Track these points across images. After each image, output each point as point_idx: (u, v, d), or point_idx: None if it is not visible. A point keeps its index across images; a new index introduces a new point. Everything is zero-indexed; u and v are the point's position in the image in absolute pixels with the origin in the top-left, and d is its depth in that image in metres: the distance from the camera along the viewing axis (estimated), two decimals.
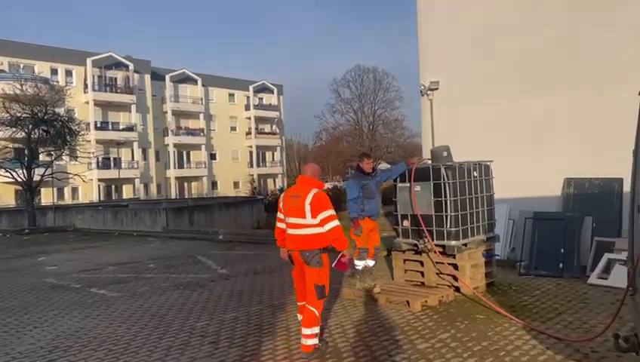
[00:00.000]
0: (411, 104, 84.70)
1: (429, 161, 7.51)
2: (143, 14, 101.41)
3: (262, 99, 61.83)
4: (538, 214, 8.77)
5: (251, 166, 59.00)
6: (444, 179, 7.03)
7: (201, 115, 55.30)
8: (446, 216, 7.03)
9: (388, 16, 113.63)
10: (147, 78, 51.07)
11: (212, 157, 56.48)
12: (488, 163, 7.68)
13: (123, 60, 48.51)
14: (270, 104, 62.15)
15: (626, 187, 8.44)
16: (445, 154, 7.24)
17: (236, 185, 56.76)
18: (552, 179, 9.05)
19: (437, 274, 7.36)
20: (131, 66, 48.77)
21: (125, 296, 8.20)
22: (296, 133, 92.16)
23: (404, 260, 7.76)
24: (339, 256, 5.04)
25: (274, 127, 62.10)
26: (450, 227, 7.01)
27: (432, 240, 7.05)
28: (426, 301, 6.66)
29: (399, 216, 7.58)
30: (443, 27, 10.42)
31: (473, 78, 9.97)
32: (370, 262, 7.19)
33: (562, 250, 8.18)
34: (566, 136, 8.91)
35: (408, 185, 7.39)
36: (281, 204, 5.33)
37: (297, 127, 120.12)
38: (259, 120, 60.53)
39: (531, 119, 9.24)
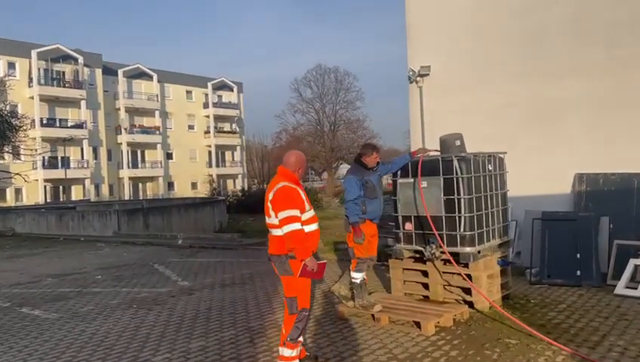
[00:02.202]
0: (372, 105, 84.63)
1: (433, 153, 6.33)
2: (94, 7, 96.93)
3: (221, 96, 59.79)
4: (547, 214, 7.76)
5: (210, 166, 56.88)
6: (457, 174, 5.87)
7: (157, 113, 52.81)
8: (459, 218, 5.87)
9: (352, 15, 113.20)
10: (98, 72, 48.24)
11: (168, 156, 54.05)
12: (502, 155, 6.59)
13: (72, 53, 45.56)
14: (230, 102, 60.17)
15: None
16: (458, 143, 6.09)
17: (194, 185, 54.54)
18: (561, 175, 8.08)
19: (444, 286, 6.21)
20: (81, 60, 45.85)
21: (64, 319, 6.66)
22: (258, 132, 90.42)
23: (404, 269, 6.57)
24: (302, 266, 4.22)
25: (234, 125, 60.16)
26: (465, 231, 5.86)
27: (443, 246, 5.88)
28: (438, 321, 5.48)
29: (400, 218, 6.37)
30: (434, 4, 9.31)
31: (469, 63, 8.93)
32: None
33: (578, 255, 7.18)
34: (577, 127, 7.95)
35: (412, 180, 6.20)
36: None
37: (259, 127, 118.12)
38: (218, 118, 58.48)
39: (537, 108, 8.25)
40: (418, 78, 9.38)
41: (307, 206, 4.44)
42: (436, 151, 6.30)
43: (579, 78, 7.78)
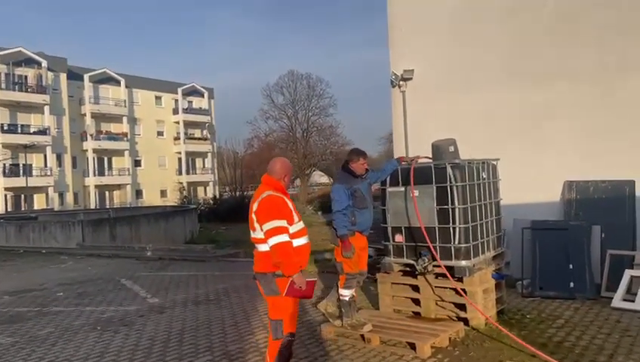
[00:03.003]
0: (344, 111, 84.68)
1: (424, 159, 5.95)
2: (59, 9, 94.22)
3: (191, 102, 58.70)
4: (537, 223, 7.47)
5: (180, 173, 55.63)
6: (450, 182, 5.50)
7: (125, 119, 51.39)
8: (454, 229, 5.50)
9: (325, 22, 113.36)
10: (63, 77, 46.63)
11: (137, 163, 52.61)
12: (495, 161, 6.26)
13: (35, 57, 43.90)
14: (200, 108, 59.12)
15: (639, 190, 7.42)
16: (452, 149, 5.72)
17: (164, 193, 53.21)
18: (550, 182, 7.82)
19: (436, 302, 5.81)
20: (44, 63, 44.23)
21: (20, 344, 6.00)
22: (230, 138, 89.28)
23: (393, 284, 6.15)
24: (289, 283, 3.81)
25: (205, 132, 59.05)
26: (460, 243, 5.48)
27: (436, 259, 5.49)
28: (434, 342, 5.06)
29: (389, 229, 5.95)
30: (417, 5, 8.99)
31: (454, 66, 8.63)
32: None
33: (571, 266, 6.91)
34: (566, 133, 7.72)
35: (403, 189, 5.80)
36: None
37: (230, 133, 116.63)
38: (188, 124, 57.32)
39: (524, 113, 8.01)
40: (401, 83, 9.04)
41: (296, 217, 4.01)
42: (427, 157, 5.92)
43: (568, 83, 7.56)
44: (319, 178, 69.02)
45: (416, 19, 8.96)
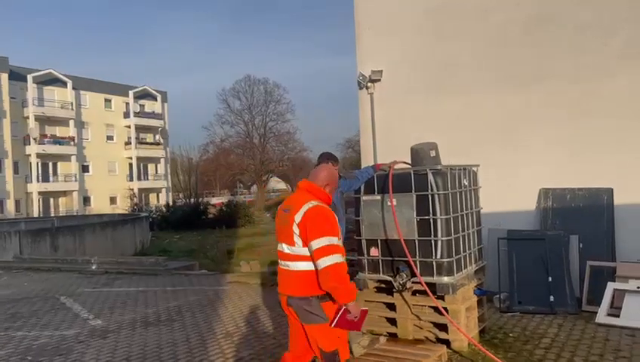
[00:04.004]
0: (302, 117, 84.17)
1: (401, 165, 5.43)
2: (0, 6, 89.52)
3: (144, 106, 56.68)
4: (513, 233, 7.11)
5: (131, 179, 53.46)
6: (432, 190, 5.00)
7: (72, 122, 48.90)
8: (435, 242, 4.99)
9: (284, 27, 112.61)
10: (4, 77, 43.87)
11: (84, 169, 50.17)
12: (475, 168, 5.82)
13: None
14: (153, 112, 57.15)
15: (618, 198, 7.15)
16: (433, 154, 5.21)
17: (113, 200, 51.00)
18: (526, 190, 7.47)
19: (415, 321, 5.28)
20: None
21: None
22: (184, 144, 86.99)
23: (366, 302, 5.56)
24: (340, 312, 3.23)
25: (157, 136, 57.12)
26: (442, 257, 4.97)
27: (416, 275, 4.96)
28: None
29: (364, 242, 5.39)
30: (386, 3, 8.53)
31: (426, 67, 8.20)
32: None
33: (550, 278, 6.55)
34: (543, 137, 7.39)
35: (379, 197, 5.26)
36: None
37: (184, 138, 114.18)
38: (140, 129, 55.29)
39: (499, 117, 7.64)
40: (369, 84, 8.53)
41: (340, 235, 3.42)
42: (405, 162, 5.41)
43: (544, 86, 7.25)
44: (277, 184, 68.19)
45: (385, 18, 8.49)
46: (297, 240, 3.30)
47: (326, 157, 4.84)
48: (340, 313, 3.21)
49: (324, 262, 3.16)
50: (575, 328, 5.75)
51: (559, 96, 7.18)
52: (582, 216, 7.07)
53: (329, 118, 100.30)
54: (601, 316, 5.90)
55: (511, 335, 5.62)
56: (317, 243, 3.20)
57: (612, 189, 6.91)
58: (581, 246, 6.92)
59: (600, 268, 6.61)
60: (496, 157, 7.51)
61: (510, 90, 7.46)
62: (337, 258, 3.20)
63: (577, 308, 6.38)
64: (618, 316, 5.82)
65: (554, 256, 6.70)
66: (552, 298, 6.42)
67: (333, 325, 3.24)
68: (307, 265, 3.28)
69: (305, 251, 3.28)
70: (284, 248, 3.39)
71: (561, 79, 7.15)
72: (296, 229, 3.29)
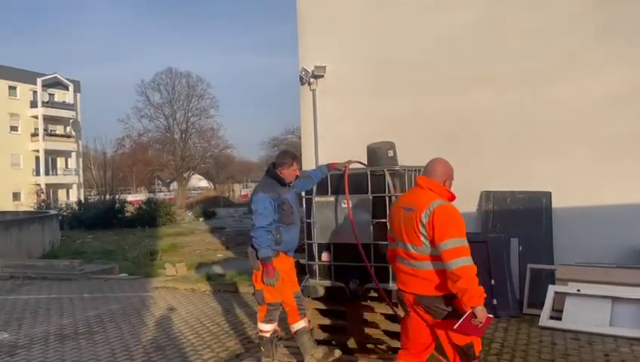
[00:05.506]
0: (226, 114, 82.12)
1: (355, 165, 5.13)
2: None
3: (53, 95, 52.59)
4: None
5: (38, 174, 49.40)
6: (389, 191, 4.74)
7: None
8: None
9: (209, 21, 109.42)
10: None
11: None
12: None
13: None
14: (64, 102, 53.18)
15: (556, 202, 7.32)
16: (391, 153, 4.98)
17: (17, 196, 46.77)
18: (468, 192, 7.38)
19: (367, 330, 5.01)
20: None
21: None
22: (98, 137, 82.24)
23: (315, 310, 5.22)
24: (465, 315, 3.12)
25: (68, 128, 53.35)
26: None
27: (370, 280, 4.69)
28: None
29: (315, 246, 5.04)
30: None
31: (371, 65, 8.00)
32: (300, 325, 4.47)
33: (492, 281, 6.56)
34: (484, 142, 7.42)
35: (333, 199, 4.93)
36: (389, 217, 3.82)
37: (99, 131, 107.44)
38: (49, 119, 51.22)
39: (443, 119, 7.59)
40: (311, 80, 8.20)
41: None
42: (360, 162, 5.11)
43: (489, 89, 7.28)
44: (198, 182, 66.17)
45: (329, 11, 8.20)
46: (424, 240, 3.23)
47: (289, 156, 4.44)
48: (465, 316, 3.11)
49: (456, 263, 3.09)
50: (521, 332, 5.76)
51: (502, 99, 7.23)
52: (522, 219, 7.17)
53: (256, 116, 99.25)
54: (544, 319, 5.96)
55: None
56: (447, 245, 3.12)
57: (550, 193, 7.06)
58: (521, 248, 7.01)
59: (540, 270, 6.71)
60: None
61: (455, 92, 7.43)
62: (468, 260, 3.12)
63: (519, 311, 6.43)
64: (560, 319, 5.90)
65: (496, 259, 6.72)
66: (495, 301, 6.41)
67: (456, 327, 3.15)
68: (435, 265, 3.22)
69: (432, 251, 3.22)
70: (409, 248, 3.32)
71: (505, 83, 7.21)
72: (422, 230, 3.22)
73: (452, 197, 3.44)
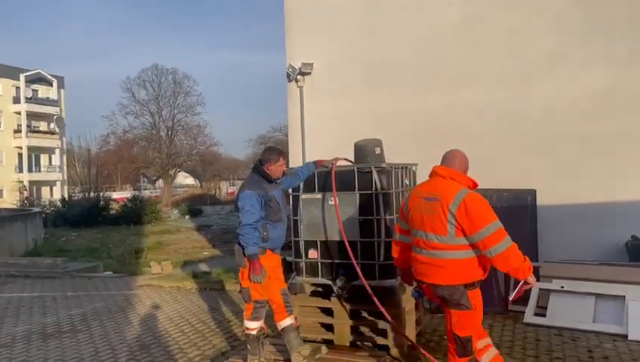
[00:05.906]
0: (212, 111, 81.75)
1: (343, 162, 5.13)
2: None
3: (37, 91, 51.89)
4: None
5: (21, 171, 48.77)
6: (376, 188, 4.75)
7: None
8: (378, 244, 4.75)
9: (195, 19, 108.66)
10: None
11: None
12: (414, 167, 5.67)
13: None
14: (48, 98, 52.51)
15: (541, 200, 7.39)
16: (378, 151, 4.98)
17: None
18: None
19: (353, 327, 5.02)
20: None
21: None
22: (83, 134, 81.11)
23: (300, 307, 5.22)
24: (519, 285, 3.38)
25: (52, 125, 52.70)
26: (385, 259, 4.74)
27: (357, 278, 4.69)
28: None
29: (302, 244, 5.03)
30: None
31: (357, 63, 8.01)
32: (286, 322, 4.45)
33: None
34: (469, 141, 7.40)
35: (320, 196, 4.92)
36: (404, 208, 3.69)
37: (83, 128, 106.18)
38: (32, 116, 50.55)
39: (427, 118, 7.62)
40: (299, 77, 8.18)
41: None
42: (347, 160, 5.11)
43: (475, 88, 7.31)
44: (184, 179, 65.75)
45: (316, 8, 8.18)
46: (451, 229, 3.26)
47: (276, 152, 4.42)
48: (518, 287, 3.35)
49: (501, 247, 3.20)
50: (506, 328, 5.80)
51: (487, 97, 7.28)
52: (507, 217, 7.06)
53: (242, 114, 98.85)
54: (529, 316, 6.01)
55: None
56: (487, 231, 3.21)
57: (535, 191, 7.11)
58: None
59: None
60: (423, 157, 7.45)
61: (440, 90, 7.47)
62: (509, 240, 3.25)
63: (504, 308, 6.47)
64: (544, 316, 5.95)
65: None
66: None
67: (511, 298, 3.57)
68: (459, 254, 3.29)
69: (459, 240, 3.28)
70: (432, 237, 3.34)
71: (489, 83, 7.25)
72: (452, 219, 3.25)
73: (474, 185, 3.54)
